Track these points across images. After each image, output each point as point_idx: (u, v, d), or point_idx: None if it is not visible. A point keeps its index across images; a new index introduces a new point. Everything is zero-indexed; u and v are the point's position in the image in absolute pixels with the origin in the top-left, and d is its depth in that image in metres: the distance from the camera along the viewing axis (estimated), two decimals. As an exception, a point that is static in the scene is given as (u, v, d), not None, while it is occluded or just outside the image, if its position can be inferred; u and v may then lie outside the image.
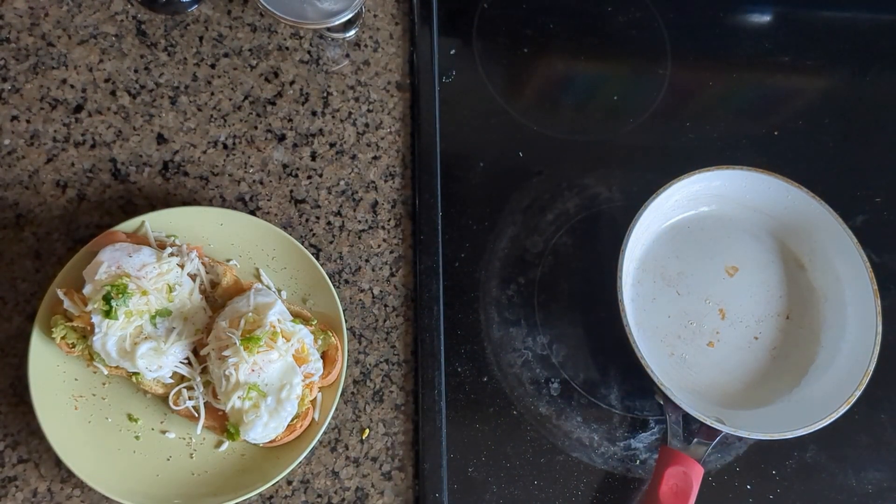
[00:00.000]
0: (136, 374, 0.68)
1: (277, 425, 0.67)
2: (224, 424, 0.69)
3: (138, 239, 0.72)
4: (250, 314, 0.68)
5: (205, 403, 0.69)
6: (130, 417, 0.70)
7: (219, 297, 0.73)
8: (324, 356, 0.72)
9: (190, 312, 0.70)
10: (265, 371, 0.67)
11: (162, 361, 0.67)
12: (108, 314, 0.65)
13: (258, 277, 0.76)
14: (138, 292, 0.66)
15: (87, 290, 0.67)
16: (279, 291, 0.75)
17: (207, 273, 0.73)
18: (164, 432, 0.71)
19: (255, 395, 0.66)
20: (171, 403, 0.69)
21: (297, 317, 0.72)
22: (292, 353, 0.68)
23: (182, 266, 0.70)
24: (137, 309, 0.66)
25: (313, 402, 0.71)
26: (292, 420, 0.68)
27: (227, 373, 0.66)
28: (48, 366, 0.69)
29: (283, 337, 0.67)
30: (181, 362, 0.69)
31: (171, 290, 0.69)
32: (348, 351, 0.76)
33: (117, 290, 0.65)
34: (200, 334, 0.69)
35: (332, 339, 0.73)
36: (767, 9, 1.04)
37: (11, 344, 0.72)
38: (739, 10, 1.03)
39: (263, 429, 0.66)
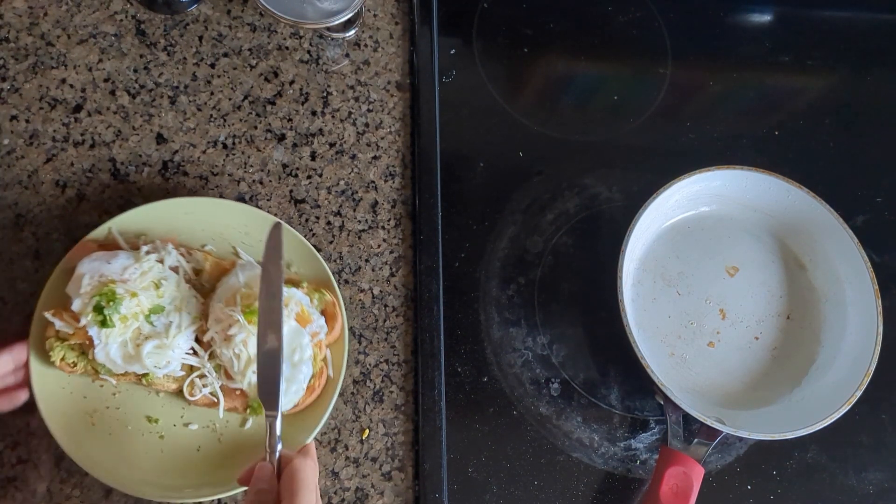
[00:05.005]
0: (145, 375, 0.68)
1: (297, 389, 0.68)
2: (244, 402, 0.69)
3: (109, 246, 0.71)
4: (243, 289, 0.68)
5: (220, 387, 0.69)
6: (150, 419, 0.70)
7: (205, 282, 0.72)
8: (324, 315, 0.73)
9: (182, 303, 0.69)
10: None
11: (169, 356, 0.67)
12: (103, 323, 0.65)
13: (237, 255, 0.75)
14: (128, 295, 0.66)
15: (75, 305, 0.66)
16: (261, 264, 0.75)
17: (188, 262, 0.72)
18: (186, 425, 0.71)
19: None
20: (186, 395, 0.69)
21: (287, 283, 0.72)
22: (294, 317, 0.68)
23: (162, 261, 0.70)
24: (131, 312, 0.66)
25: (325, 359, 0.71)
26: (309, 381, 0.69)
27: (236, 351, 0.66)
28: (54, 391, 0.68)
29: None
30: (187, 353, 0.69)
31: (157, 286, 0.68)
32: (348, 351, 0.76)
33: (107, 297, 0.65)
34: (199, 322, 0.69)
35: (327, 296, 0.73)
36: (767, 9, 1.04)
37: (11, 344, 0.72)
38: (739, 10, 1.03)
39: (284, 396, 0.67)
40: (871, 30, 1.05)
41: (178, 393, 0.70)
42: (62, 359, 0.67)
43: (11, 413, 0.70)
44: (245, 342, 0.66)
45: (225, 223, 0.76)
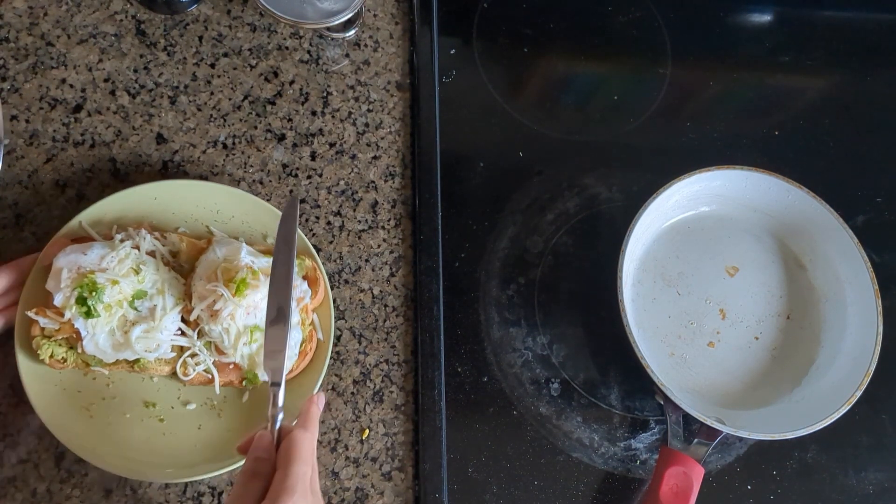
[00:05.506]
0: (136, 361, 0.68)
1: (290, 354, 0.68)
2: (240, 375, 0.70)
3: (82, 239, 0.71)
4: (223, 263, 0.68)
5: (213, 363, 0.69)
6: (147, 404, 0.70)
7: (184, 262, 0.72)
8: (306, 280, 0.73)
9: (164, 286, 0.69)
10: (260, 310, 0.68)
11: (158, 339, 0.67)
12: (88, 314, 0.65)
13: (211, 233, 0.75)
14: (109, 283, 0.66)
15: (57, 300, 0.65)
16: (237, 239, 0.75)
17: (163, 245, 0.72)
18: (185, 404, 0.71)
19: (260, 336, 0.67)
20: (180, 376, 0.69)
21: (265, 253, 0.73)
22: None
23: (137, 247, 0.70)
24: (114, 299, 0.66)
25: (312, 323, 0.72)
26: (301, 346, 0.70)
27: (225, 326, 0.66)
28: (47, 389, 0.68)
29: (262, 274, 0.68)
30: (175, 335, 0.69)
31: (137, 271, 0.68)
32: (348, 350, 0.77)
33: (88, 288, 0.65)
34: (183, 302, 0.69)
35: (307, 261, 0.73)
36: (767, 9, 1.04)
37: (10, 344, 0.72)
38: (739, 10, 1.03)
39: None
40: (871, 30, 1.05)
41: (172, 375, 0.70)
42: (51, 356, 0.67)
43: (11, 413, 0.70)
44: (232, 315, 0.66)
45: (195, 203, 0.75)
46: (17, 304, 0.68)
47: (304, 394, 0.70)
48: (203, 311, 0.67)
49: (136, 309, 0.67)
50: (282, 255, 0.65)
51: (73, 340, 0.67)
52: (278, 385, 0.61)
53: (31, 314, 0.67)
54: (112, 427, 0.69)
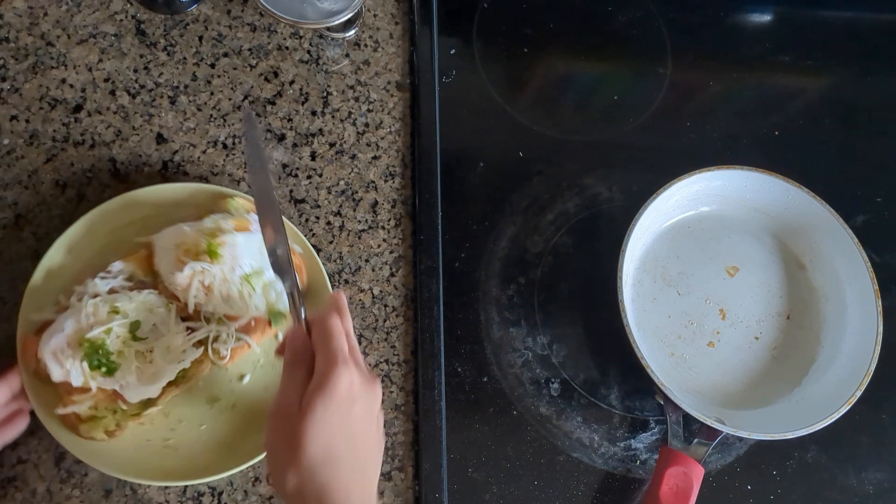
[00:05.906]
0: (177, 379, 0.68)
1: None
2: (265, 325, 0.70)
3: (45, 326, 0.68)
4: (176, 247, 0.68)
5: (237, 330, 0.69)
6: (211, 402, 0.71)
7: (143, 277, 0.71)
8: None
9: (147, 305, 0.68)
10: (241, 258, 0.68)
11: (178, 345, 0.67)
12: (110, 371, 0.65)
13: (141, 242, 0.73)
14: (104, 335, 0.65)
15: (76, 380, 0.64)
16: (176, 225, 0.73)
17: (115, 278, 0.70)
18: (241, 379, 0.72)
19: (256, 278, 0.68)
20: (218, 363, 0.69)
21: (206, 214, 0.72)
22: (235, 230, 0.69)
23: (95, 294, 0.68)
24: (121, 342, 0.66)
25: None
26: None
27: (224, 293, 0.67)
28: (126, 460, 0.67)
29: (217, 231, 0.68)
30: (187, 335, 0.69)
31: (116, 311, 0.66)
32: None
33: (92, 349, 0.64)
34: (171, 304, 0.69)
35: (236, 200, 0.73)
36: (767, 9, 1.04)
37: (11, 344, 0.72)
38: (739, 10, 1.03)
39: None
40: (871, 30, 1.05)
41: (212, 367, 0.70)
42: (105, 432, 0.66)
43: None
44: (224, 279, 0.66)
45: (107, 230, 0.73)
46: (25, 409, 0.67)
47: (321, 301, 0.71)
48: (195, 297, 0.67)
49: (140, 339, 0.67)
50: (256, 165, 0.65)
51: (113, 402, 0.66)
52: (288, 278, 0.61)
53: (62, 411, 0.65)
54: (196, 443, 0.69)
